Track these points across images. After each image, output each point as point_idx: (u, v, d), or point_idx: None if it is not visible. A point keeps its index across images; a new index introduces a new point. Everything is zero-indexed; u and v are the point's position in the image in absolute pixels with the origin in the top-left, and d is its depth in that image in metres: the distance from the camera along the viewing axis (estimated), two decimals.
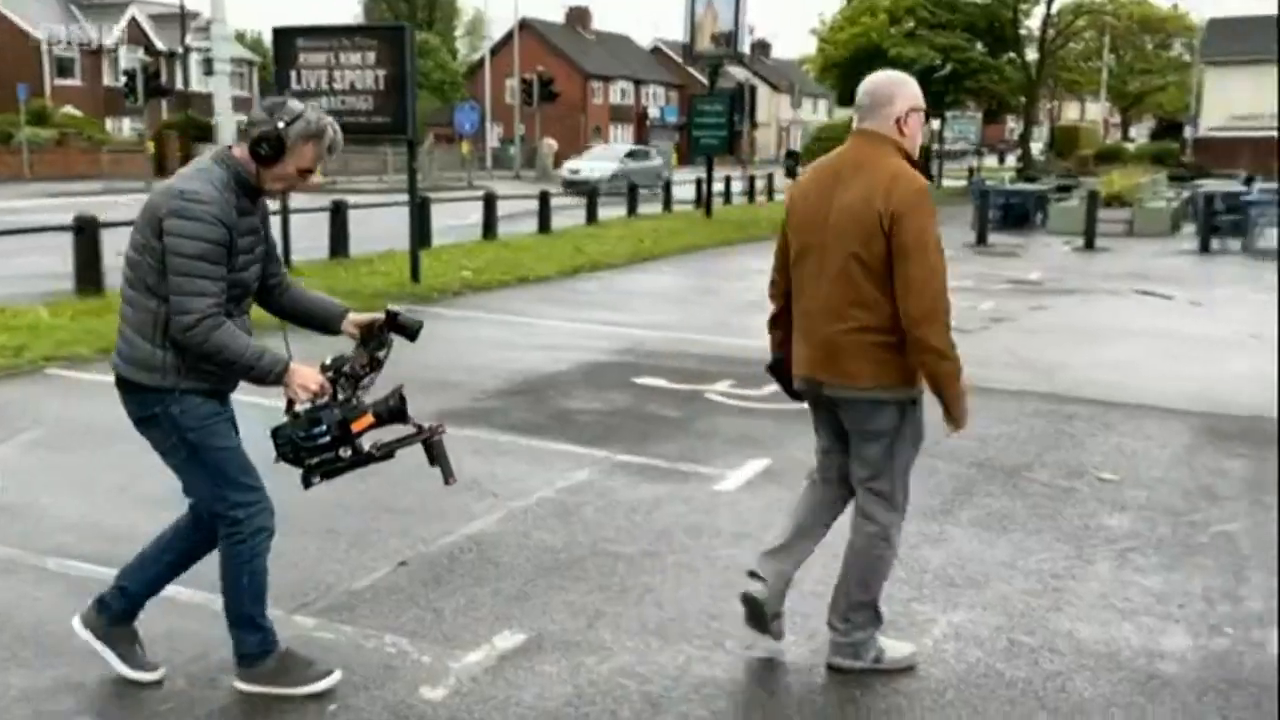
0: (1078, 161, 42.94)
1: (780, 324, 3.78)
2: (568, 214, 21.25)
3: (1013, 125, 45.18)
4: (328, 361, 3.29)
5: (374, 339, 3.35)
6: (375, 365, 3.33)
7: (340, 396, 3.25)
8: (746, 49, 25.56)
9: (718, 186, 25.44)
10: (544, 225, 18.72)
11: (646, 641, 3.96)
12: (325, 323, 3.48)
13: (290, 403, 3.24)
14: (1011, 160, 48.78)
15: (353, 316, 3.45)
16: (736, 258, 17.58)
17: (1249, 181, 23.43)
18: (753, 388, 7.91)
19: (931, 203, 3.44)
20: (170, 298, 3.07)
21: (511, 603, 4.25)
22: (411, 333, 3.38)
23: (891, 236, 3.34)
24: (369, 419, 3.24)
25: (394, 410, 3.26)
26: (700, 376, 8.27)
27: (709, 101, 24.09)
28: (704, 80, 34.86)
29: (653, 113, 72.93)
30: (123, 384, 3.24)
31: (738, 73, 41.64)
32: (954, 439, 6.67)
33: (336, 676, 3.47)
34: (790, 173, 34.69)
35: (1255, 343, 10.11)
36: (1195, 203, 20.18)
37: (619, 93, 71.15)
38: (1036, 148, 50.49)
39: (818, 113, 67.97)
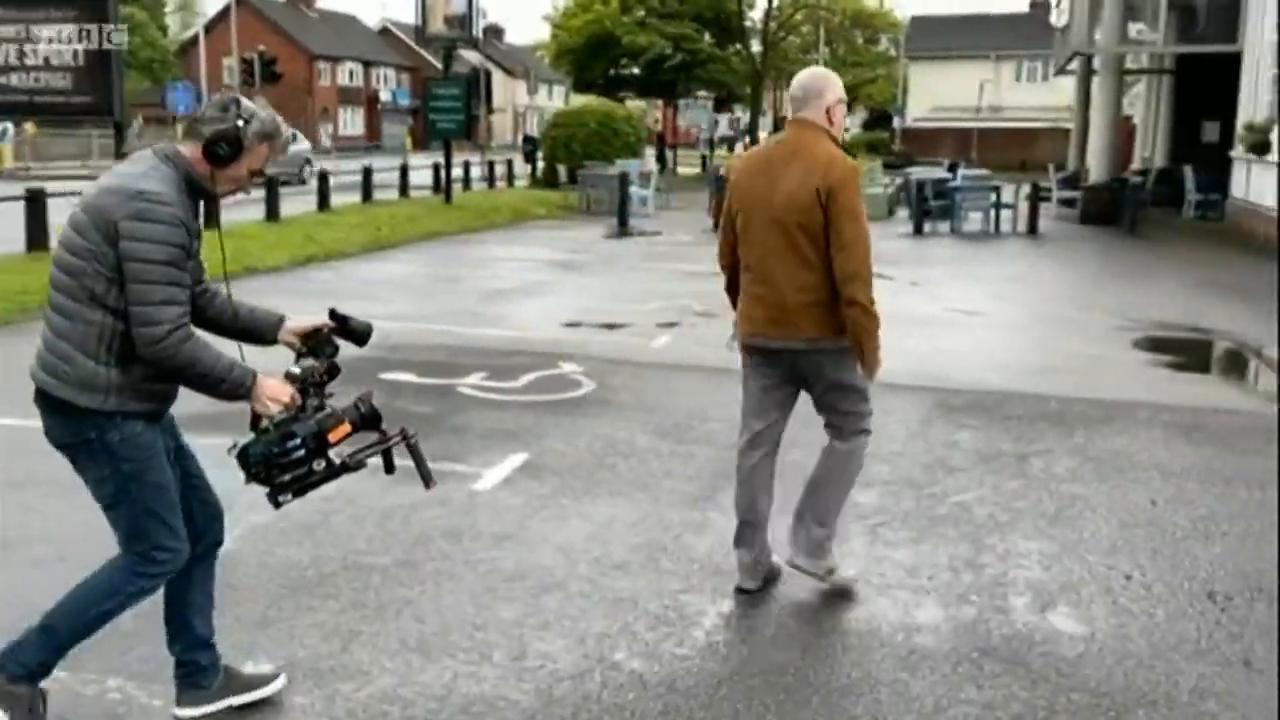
0: None
1: (731, 295, 4.29)
2: (299, 200, 20.25)
3: (739, 114, 46.81)
4: (296, 371, 3.08)
5: (323, 346, 3.17)
6: (333, 372, 3.14)
7: (310, 407, 3.05)
8: (480, 33, 25.12)
9: (456, 172, 24.95)
10: (272, 212, 17.72)
11: (408, 661, 3.70)
12: (261, 333, 3.24)
13: (256, 418, 3.02)
14: (740, 149, 50.82)
15: (290, 325, 3.22)
16: (480, 245, 17.28)
17: (953, 168, 25.28)
18: (507, 379, 7.72)
19: (860, 180, 3.98)
20: (131, 309, 2.80)
21: (255, 629, 3.88)
22: (361, 337, 3.23)
23: (827, 208, 3.85)
24: (345, 428, 3.05)
25: (368, 417, 3.09)
26: (451, 369, 7.98)
27: (445, 85, 23.53)
28: (437, 64, 34.09)
29: (384, 96, 70.86)
30: (53, 404, 2.91)
31: (471, 57, 41.12)
32: (711, 423, 6.65)
33: None
34: (529, 158, 34.55)
35: (967, 319, 10.87)
36: (908, 189, 21.57)
37: (347, 74, 68.68)
38: (763, 136, 52.86)
39: (554, 99, 68.14)
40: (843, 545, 4.69)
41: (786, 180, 3.93)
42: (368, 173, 22.79)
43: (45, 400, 2.92)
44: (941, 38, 53.77)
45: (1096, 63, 24.53)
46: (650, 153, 34.05)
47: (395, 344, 8.88)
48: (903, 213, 22.30)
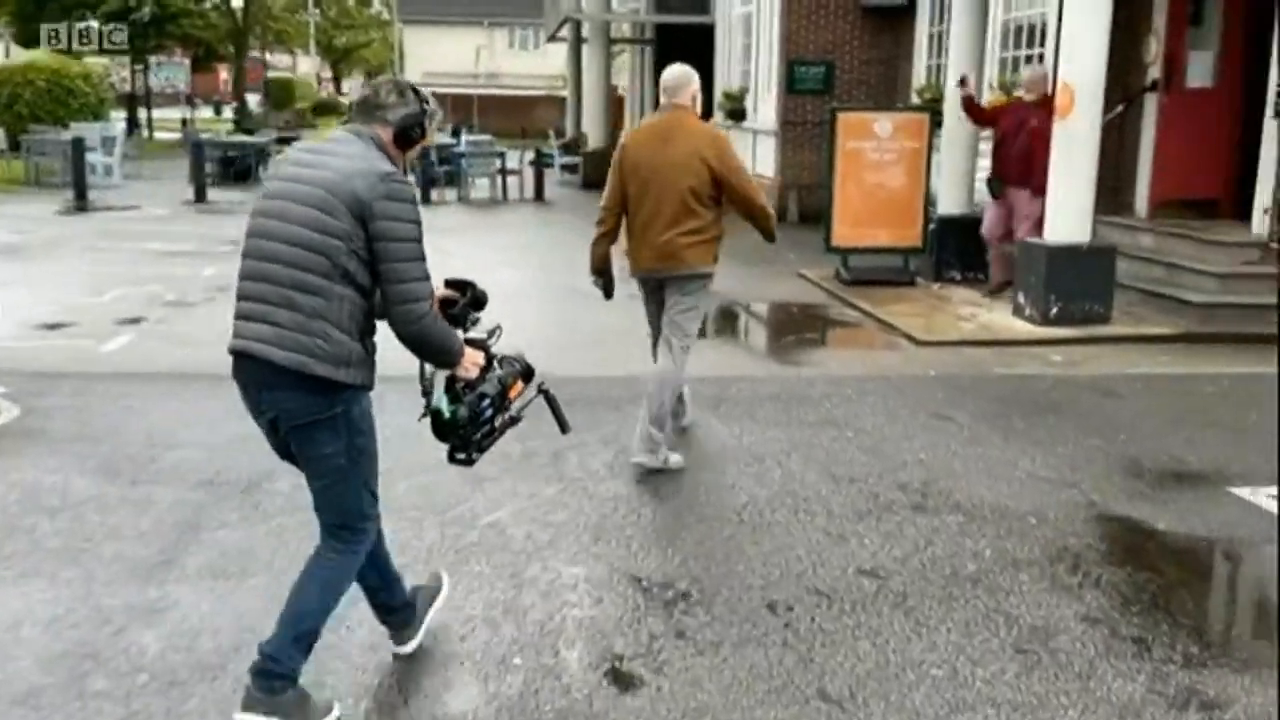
0: (295, 114, 42.52)
1: (604, 241, 5.42)
2: None
3: (226, 76, 43.09)
4: (478, 336, 3.22)
5: (465, 313, 3.24)
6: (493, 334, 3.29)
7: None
8: None
9: None
10: None
11: None
12: None
13: (452, 382, 3.12)
14: (229, 112, 46.88)
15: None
16: None
17: (456, 134, 24.70)
18: None
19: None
20: (392, 287, 2.91)
21: None
22: (481, 303, 3.31)
23: (715, 169, 5.09)
24: (520, 384, 3.24)
25: (528, 370, 3.28)
26: None
27: None
28: None
29: None
30: (306, 382, 2.89)
31: None
32: (180, 450, 5.29)
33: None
34: None
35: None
36: None
37: None
38: (254, 99, 49.25)
39: None
40: (354, 606, 3.64)
41: (676, 151, 5.12)
42: None
43: (295, 378, 2.89)
44: (435, 3, 53.19)
45: (586, 30, 25.03)
46: (118, 116, 30.04)
47: None
48: (409, 178, 21.30)
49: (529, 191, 19.18)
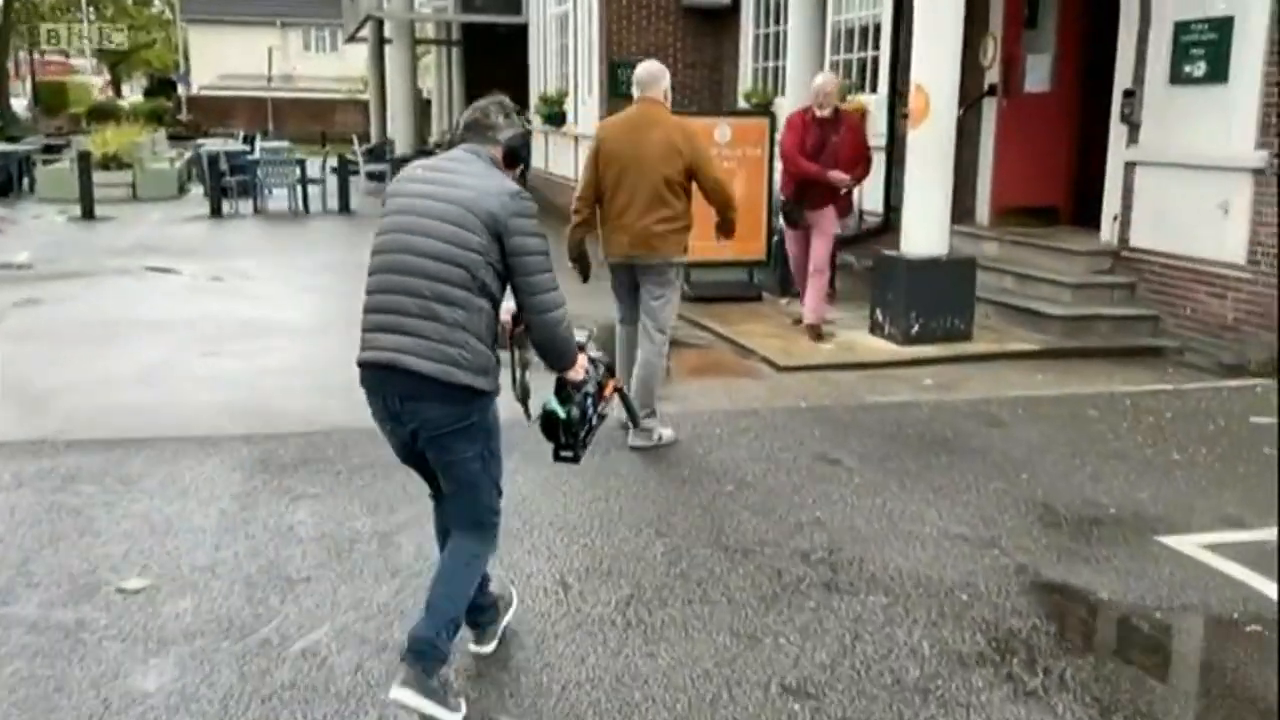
0: (69, 119, 39.06)
1: (581, 231, 5.72)
2: None
3: None
4: (580, 339, 3.32)
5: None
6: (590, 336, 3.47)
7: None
8: None
9: None
10: None
11: None
12: None
13: (563, 384, 3.27)
14: None
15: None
16: None
17: (250, 140, 22.89)
18: None
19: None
20: (532, 298, 3.11)
21: None
22: None
23: (689, 159, 5.51)
24: (612, 382, 3.45)
25: (611, 369, 3.48)
26: None
27: None
28: None
29: None
30: (452, 392, 3.02)
31: None
32: None
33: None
34: None
35: (286, 323, 8.92)
36: (200, 163, 18.84)
37: None
38: (20, 104, 45.15)
39: None
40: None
41: (651, 141, 5.44)
42: None
43: (440, 388, 2.99)
44: (222, 2, 50.13)
45: (389, 30, 23.65)
46: None
47: None
48: (197, 190, 19.53)
49: (333, 202, 17.73)
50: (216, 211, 16.78)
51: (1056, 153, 10.13)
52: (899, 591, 4.06)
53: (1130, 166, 8.58)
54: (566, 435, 3.30)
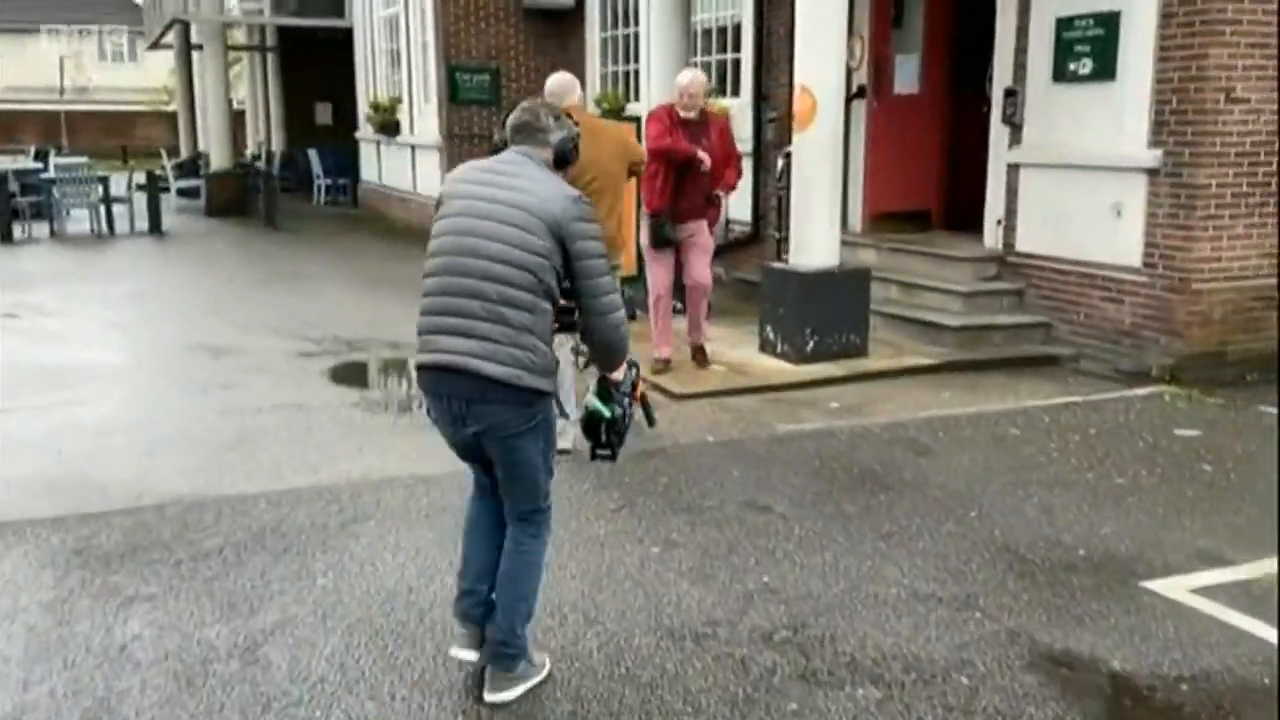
0: None
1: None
2: None
3: None
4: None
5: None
6: None
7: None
8: None
9: None
10: None
11: None
12: None
13: (605, 383, 3.29)
14: None
15: None
16: None
17: (42, 156, 20.84)
18: None
19: None
20: (594, 300, 3.13)
21: None
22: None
23: (633, 159, 5.89)
24: (641, 383, 3.40)
25: (638, 367, 3.42)
26: None
27: None
28: None
29: None
30: (521, 395, 3.06)
31: None
32: None
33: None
34: None
35: (98, 366, 7.69)
36: None
37: None
38: None
39: None
40: None
41: (608, 145, 5.51)
42: None
43: (508, 391, 3.02)
44: (4, 7, 46.29)
45: (197, 35, 21.94)
46: None
47: None
48: None
49: (142, 223, 16.14)
50: (6, 237, 15.00)
51: (928, 156, 9.84)
52: (889, 679, 3.42)
53: (1014, 169, 8.29)
54: (609, 434, 3.31)
